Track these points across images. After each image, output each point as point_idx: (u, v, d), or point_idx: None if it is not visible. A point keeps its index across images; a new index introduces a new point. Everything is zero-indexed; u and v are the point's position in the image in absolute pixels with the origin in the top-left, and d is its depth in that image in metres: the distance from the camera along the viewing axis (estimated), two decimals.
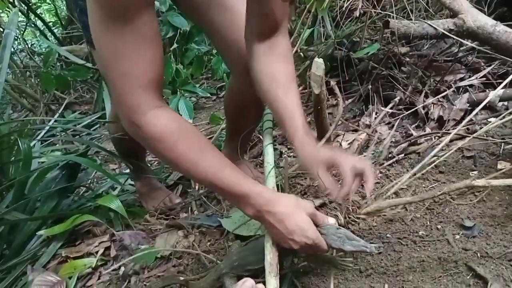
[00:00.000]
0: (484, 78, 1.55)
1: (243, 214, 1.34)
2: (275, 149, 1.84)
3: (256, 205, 0.92)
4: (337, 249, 0.93)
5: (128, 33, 0.84)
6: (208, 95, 2.85)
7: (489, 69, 1.52)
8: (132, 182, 1.82)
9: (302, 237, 0.90)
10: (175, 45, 2.81)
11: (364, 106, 1.82)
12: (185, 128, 0.95)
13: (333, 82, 1.42)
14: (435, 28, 1.27)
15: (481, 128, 1.41)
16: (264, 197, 0.92)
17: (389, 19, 1.28)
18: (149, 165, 1.93)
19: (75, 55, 3.18)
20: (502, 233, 1.07)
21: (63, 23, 4.60)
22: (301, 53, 2.05)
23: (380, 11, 1.39)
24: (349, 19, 1.53)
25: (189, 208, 1.59)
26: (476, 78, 1.48)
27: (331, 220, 0.97)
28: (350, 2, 1.30)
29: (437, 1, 1.36)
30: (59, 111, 3.21)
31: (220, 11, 1.28)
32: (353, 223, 1.23)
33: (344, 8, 1.37)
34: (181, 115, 2.58)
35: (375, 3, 1.39)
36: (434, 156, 1.27)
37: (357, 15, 1.30)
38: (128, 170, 1.91)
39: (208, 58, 3.21)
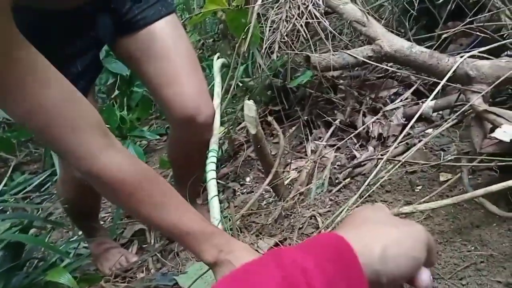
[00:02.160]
0: (414, 93, 1.60)
1: (199, 267, 1.32)
2: (227, 187, 1.83)
3: (219, 244, 0.90)
4: None
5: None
6: (158, 137, 2.80)
7: (419, 82, 1.57)
8: (86, 245, 1.75)
9: None
10: (116, 92, 2.76)
11: (309, 131, 1.83)
12: (143, 171, 0.92)
13: (269, 118, 1.41)
14: (354, 57, 1.30)
15: (420, 141, 1.44)
16: (226, 236, 0.93)
17: (309, 54, 1.30)
18: (102, 222, 1.86)
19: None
20: (451, 249, 1.08)
21: None
22: (243, 87, 2.06)
23: (296, 51, 1.40)
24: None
25: (146, 266, 1.53)
26: (406, 96, 1.52)
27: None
28: (271, 41, 1.32)
29: (353, 29, 1.40)
30: (7, 174, 3.08)
31: (154, 63, 1.26)
32: None
33: (265, 43, 1.38)
34: None
35: (296, 37, 1.41)
36: (377, 176, 1.30)
37: (275, 57, 1.31)
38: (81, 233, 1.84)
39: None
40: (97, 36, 1.21)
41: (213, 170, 1.26)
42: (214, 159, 1.31)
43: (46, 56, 0.78)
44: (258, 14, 1.60)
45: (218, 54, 2.11)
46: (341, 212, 1.27)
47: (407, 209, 0.96)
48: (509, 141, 1.03)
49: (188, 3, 3.08)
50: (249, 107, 1.26)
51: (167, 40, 1.27)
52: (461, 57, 1.18)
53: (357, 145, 1.63)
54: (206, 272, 1.25)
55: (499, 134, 1.00)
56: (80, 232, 1.85)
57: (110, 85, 2.95)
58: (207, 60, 2.63)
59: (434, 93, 1.29)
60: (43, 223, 1.78)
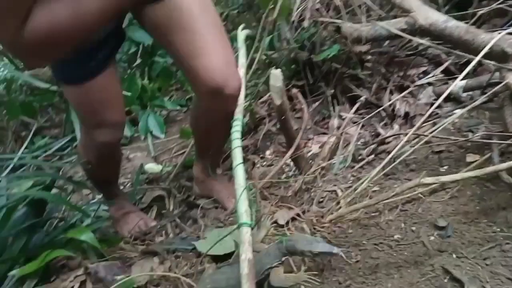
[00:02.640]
0: (444, 72, 1.56)
1: (218, 234, 1.33)
2: (247, 160, 1.83)
3: None
4: (307, 252, 0.99)
5: None
6: (178, 107, 2.80)
7: (449, 61, 1.53)
8: (106, 208, 1.78)
9: None
10: (138, 60, 2.76)
11: (332, 107, 1.81)
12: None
13: (295, 90, 1.39)
14: (387, 29, 1.26)
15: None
16: None
17: (340, 24, 1.27)
18: (121, 187, 1.89)
19: (38, 79, 3.10)
20: (476, 230, 1.07)
21: None
22: (266, 60, 2.03)
23: (329, 19, 1.37)
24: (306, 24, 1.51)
25: (165, 231, 1.55)
26: (435, 74, 1.48)
27: None
28: (303, 8, 1.28)
29: (388, 1, 1.35)
30: (28, 138, 3.13)
31: (181, 33, 1.23)
32: (327, 231, 1.22)
33: (295, 12, 1.34)
34: (151, 131, 2.54)
35: (328, 7, 1.37)
36: (401, 152, 1.27)
37: (305, 25, 1.28)
38: (101, 195, 1.87)
39: (176, 69, 3.16)
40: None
41: (238, 138, 1.25)
42: (239, 128, 1.30)
43: None
44: None
45: (242, 25, 2.08)
46: (362, 184, 1.26)
47: (429, 179, 0.94)
48: None
49: None
50: (276, 77, 1.24)
51: (195, 10, 1.24)
52: (499, 33, 1.14)
53: (382, 123, 1.60)
54: (224, 237, 1.27)
55: None
56: (100, 196, 1.88)
57: (132, 54, 2.94)
58: (230, 32, 2.60)
59: (467, 70, 1.25)
60: (65, 182, 1.81)
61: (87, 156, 1.54)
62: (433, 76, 1.50)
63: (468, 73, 1.34)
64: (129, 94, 2.55)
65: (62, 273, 1.50)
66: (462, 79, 1.40)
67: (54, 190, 1.80)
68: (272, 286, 1.03)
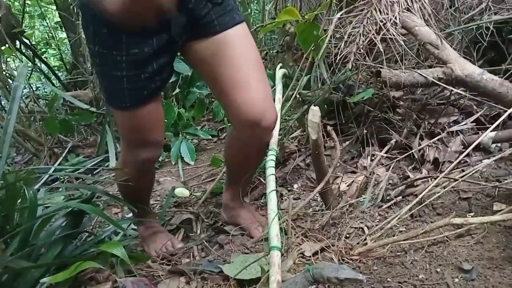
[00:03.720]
0: (475, 122, 1.60)
1: (244, 259, 1.37)
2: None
3: None
4: (333, 278, 1.01)
5: None
6: (209, 137, 2.91)
7: (481, 112, 1.58)
8: (134, 227, 1.84)
9: None
10: (177, 90, 2.89)
11: (361, 148, 1.86)
12: None
13: (329, 127, 1.46)
14: (425, 77, 1.33)
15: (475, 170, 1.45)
16: None
17: (380, 69, 1.34)
18: (152, 209, 1.96)
19: (79, 100, 3.27)
20: (500, 275, 1.08)
21: (67, 67, 4.74)
22: (300, 98, 2.12)
23: (371, 63, 1.45)
24: (344, 66, 1.60)
25: (191, 253, 1.60)
26: (467, 123, 1.53)
27: None
28: (345, 50, 1.37)
29: (425, 50, 1.43)
30: (63, 155, 3.27)
31: (225, 68, 1.31)
32: (352, 265, 1.25)
33: (339, 55, 1.43)
34: (182, 157, 2.63)
35: (368, 52, 1.46)
36: (429, 194, 1.31)
37: (350, 67, 1.36)
38: (130, 215, 1.94)
39: (209, 101, 3.30)
40: (171, 36, 1.26)
41: (272, 167, 1.32)
42: (274, 157, 1.37)
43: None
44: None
45: (280, 64, 2.20)
46: (390, 222, 1.30)
47: (458, 220, 0.97)
48: None
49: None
50: (314, 113, 1.32)
51: (239, 47, 1.33)
52: None
53: (411, 167, 1.64)
54: (252, 263, 1.31)
55: None
56: (130, 215, 1.95)
57: (171, 83, 3.09)
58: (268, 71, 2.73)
59: (499, 121, 1.31)
60: (102, 199, 1.88)
61: (124, 173, 1.62)
62: (465, 124, 1.54)
63: (498, 125, 1.39)
64: (165, 120, 2.67)
65: (89, 285, 1.56)
66: (492, 130, 1.45)
67: None
68: None
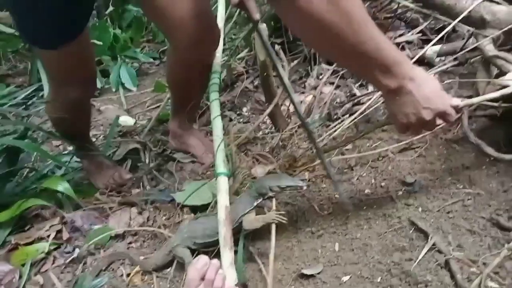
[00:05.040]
0: (422, 35, 1.59)
1: (196, 185, 1.35)
2: (224, 116, 1.84)
3: (404, 73, 0.87)
4: (275, 187, 1.06)
5: None
6: (151, 60, 2.74)
7: (425, 24, 1.56)
8: (78, 159, 1.76)
9: (439, 103, 0.88)
10: (111, 8, 2.65)
11: (309, 67, 1.83)
12: None
13: (277, 46, 1.40)
14: None
15: None
16: (410, 64, 0.89)
17: None
18: (94, 140, 1.86)
19: (2, 24, 2.92)
20: (441, 186, 1.14)
21: None
22: (245, 15, 2.00)
23: None
24: None
25: (141, 183, 1.57)
26: (412, 33, 1.52)
27: None
28: None
29: None
30: None
31: None
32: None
33: None
34: (123, 83, 2.49)
35: None
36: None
37: None
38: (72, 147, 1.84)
39: (148, 20, 3.07)
40: None
41: (216, 91, 1.26)
42: (217, 81, 1.31)
43: None
44: None
45: None
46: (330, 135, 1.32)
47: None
48: None
49: None
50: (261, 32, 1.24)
51: None
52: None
53: (357, 84, 1.64)
54: (201, 188, 1.30)
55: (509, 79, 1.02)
56: (71, 147, 1.86)
57: (103, 2, 2.82)
58: None
59: (442, 34, 1.30)
60: (40, 132, 1.76)
61: (55, 107, 1.50)
62: (410, 34, 1.53)
63: (443, 38, 1.39)
64: (100, 43, 2.46)
65: (36, 222, 1.50)
66: (437, 44, 1.45)
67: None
68: (245, 230, 1.08)
